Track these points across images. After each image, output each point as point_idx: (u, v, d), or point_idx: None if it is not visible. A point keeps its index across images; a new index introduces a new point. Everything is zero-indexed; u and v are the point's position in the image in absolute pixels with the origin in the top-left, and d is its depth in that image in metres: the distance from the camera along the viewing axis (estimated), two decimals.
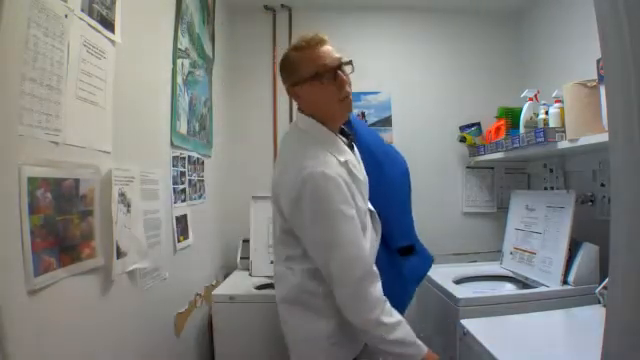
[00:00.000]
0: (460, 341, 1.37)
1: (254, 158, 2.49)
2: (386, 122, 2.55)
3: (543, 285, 1.77)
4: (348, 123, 1.27)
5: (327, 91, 1.11)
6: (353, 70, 1.15)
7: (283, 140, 1.25)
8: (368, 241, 1.12)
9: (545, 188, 2.29)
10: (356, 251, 1.04)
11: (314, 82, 1.10)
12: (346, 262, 1.03)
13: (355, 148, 1.27)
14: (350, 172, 1.11)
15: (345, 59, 1.13)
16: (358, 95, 2.51)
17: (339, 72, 1.10)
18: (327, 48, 1.12)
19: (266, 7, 2.52)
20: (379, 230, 1.24)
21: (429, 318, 1.96)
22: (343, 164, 1.10)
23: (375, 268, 1.08)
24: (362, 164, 1.25)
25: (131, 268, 1.16)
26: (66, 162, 0.90)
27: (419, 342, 1.08)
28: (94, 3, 1.02)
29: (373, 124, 2.53)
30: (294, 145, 1.16)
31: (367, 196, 1.20)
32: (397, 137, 2.54)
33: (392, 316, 1.05)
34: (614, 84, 0.50)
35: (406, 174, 1.49)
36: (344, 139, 1.21)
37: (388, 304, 1.06)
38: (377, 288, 1.05)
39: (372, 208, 1.23)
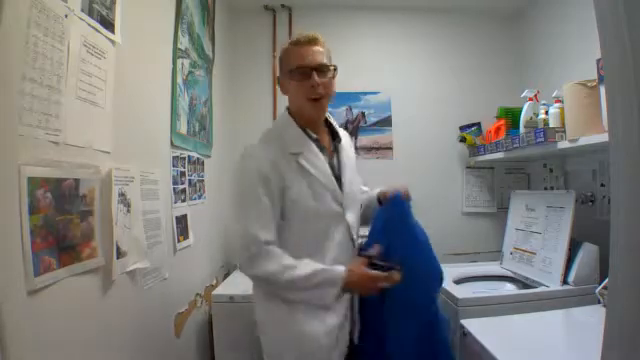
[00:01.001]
0: (460, 341, 1.37)
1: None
2: (386, 122, 2.55)
3: (543, 285, 1.76)
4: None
5: (298, 89, 1.18)
6: (334, 74, 1.21)
7: None
8: (334, 243, 1.17)
9: (545, 188, 2.29)
10: (248, 230, 1.09)
11: (291, 78, 1.18)
12: (240, 237, 1.11)
13: (342, 150, 1.27)
14: (299, 164, 1.16)
15: (325, 63, 1.17)
16: (358, 95, 2.51)
17: (313, 73, 1.15)
18: (314, 49, 1.17)
19: (266, 7, 2.52)
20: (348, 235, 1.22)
21: None
22: (292, 155, 1.16)
23: (271, 249, 1.10)
24: (343, 166, 1.24)
25: (131, 268, 1.16)
26: (66, 162, 0.90)
27: (329, 271, 1.11)
28: (94, 3, 1.02)
29: (373, 124, 2.53)
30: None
31: (338, 197, 1.19)
32: (397, 137, 2.54)
33: (287, 273, 1.08)
34: (614, 84, 0.50)
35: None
36: (314, 137, 1.22)
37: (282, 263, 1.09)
38: (261, 263, 1.09)
39: (350, 219, 1.21)
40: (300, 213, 1.15)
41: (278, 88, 1.27)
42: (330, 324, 1.12)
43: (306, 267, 1.09)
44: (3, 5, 0.72)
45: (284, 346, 1.14)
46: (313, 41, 1.18)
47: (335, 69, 1.21)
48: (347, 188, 1.21)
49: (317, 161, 1.18)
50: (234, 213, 1.20)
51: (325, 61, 1.18)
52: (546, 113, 1.83)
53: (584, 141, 1.54)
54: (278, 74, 1.27)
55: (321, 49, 1.18)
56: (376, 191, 1.32)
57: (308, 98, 1.17)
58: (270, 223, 1.11)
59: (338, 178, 1.21)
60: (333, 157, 1.25)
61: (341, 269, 1.11)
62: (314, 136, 1.22)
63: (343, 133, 1.34)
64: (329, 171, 1.19)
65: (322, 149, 1.22)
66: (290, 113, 1.25)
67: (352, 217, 1.21)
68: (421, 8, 2.58)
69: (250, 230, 1.09)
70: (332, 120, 1.31)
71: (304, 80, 1.16)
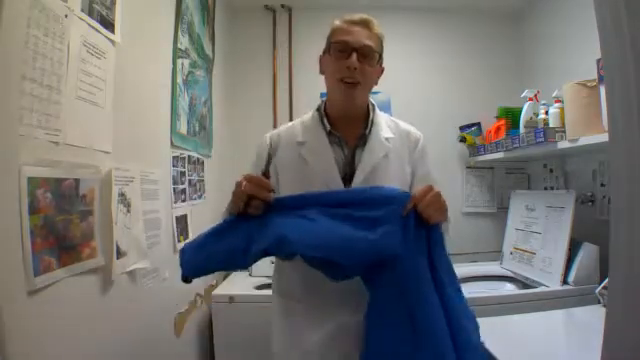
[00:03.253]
0: None
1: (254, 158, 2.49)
2: None
3: (543, 285, 1.77)
4: None
5: (332, 66, 1.08)
6: (379, 64, 1.11)
7: None
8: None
9: (545, 188, 2.29)
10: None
11: (329, 52, 1.09)
12: None
13: (370, 146, 1.09)
14: (300, 154, 1.08)
15: (370, 46, 1.06)
16: None
17: (354, 54, 1.03)
18: (363, 31, 1.07)
19: (266, 7, 2.52)
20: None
21: None
22: (297, 144, 1.10)
23: None
24: (362, 163, 1.06)
25: (131, 268, 1.16)
26: (66, 162, 0.90)
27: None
28: (94, 3, 1.02)
29: None
30: None
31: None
32: None
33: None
34: (614, 84, 0.50)
35: None
36: (328, 128, 1.10)
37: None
38: None
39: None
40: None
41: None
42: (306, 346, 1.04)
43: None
44: (3, 5, 0.72)
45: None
46: (365, 23, 1.08)
47: (381, 57, 1.10)
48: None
49: (320, 152, 1.08)
50: None
51: (371, 45, 1.06)
52: (546, 113, 1.83)
53: (584, 141, 1.54)
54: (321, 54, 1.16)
55: (371, 34, 1.07)
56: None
57: (340, 79, 1.05)
58: None
59: (349, 175, 1.07)
60: (355, 152, 1.09)
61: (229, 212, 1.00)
62: (328, 127, 1.11)
63: (403, 131, 1.18)
64: (333, 163, 1.06)
65: (339, 142, 1.10)
66: (324, 101, 1.16)
67: None
68: (421, 8, 2.58)
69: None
70: (376, 112, 1.17)
71: (341, 59, 1.04)
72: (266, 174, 0.93)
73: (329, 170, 1.06)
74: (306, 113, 1.20)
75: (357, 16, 1.09)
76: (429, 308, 0.87)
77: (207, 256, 0.89)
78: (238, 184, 0.91)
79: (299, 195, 0.94)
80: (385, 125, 1.15)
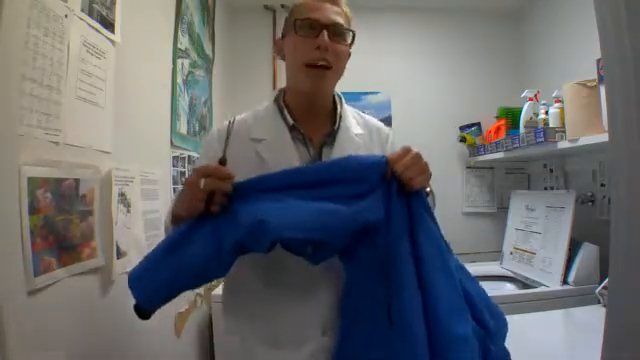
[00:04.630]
0: None
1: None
2: (386, 122, 2.53)
3: (543, 285, 1.77)
4: None
5: (298, 48, 0.92)
6: (351, 44, 0.96)
7: None
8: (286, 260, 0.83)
9: (545, 188, 2.29)
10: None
11: (294, 31, 0.92)
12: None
13: (339, 144, 0.95)
14: (257, 152, 0.91)
15: (342, 24, 0.92)
16: (358, 95, 2.51)
17: (324, 32, 0.89)
18: (331, 7, 0.92)
19: (266, 7, 2.52)
20: None
21: None
22: (252, 141, 0.93)
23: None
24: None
25: (131, 268, 1.16)
26: (66, 162, 0.90)
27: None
28: (94, 3, 1.02)
29: None
30: None
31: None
32: (397, 137, 2.53)
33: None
34: (614, 84, 0.50)
35: None
36: (291, 122, 0.95)
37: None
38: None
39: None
40: None
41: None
42: None
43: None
44: (3, 5, 0.72)
45: None
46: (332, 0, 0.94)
47: (354, 36, 0.95)
48: None
49: (281, 151, 0.91)
50: None
51: (343, 22, 0.93)
52: (546, 113, 1.83)
53: (584, 141, 1.54)
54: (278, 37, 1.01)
55: (340, 10, 0.94)
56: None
57: (307, 63, 0.89)
58: None
59: None
60: (321, 151, 0.94)
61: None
62: (291, 122, 0.94)
63: (372, 127, 1.06)
64: (297, 164, 0.90)
65: (302, 139, 0.94)
66: (283, 91, 1.01)
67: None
68: (422, 8, 2.58)
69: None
70: (343, 105, 1.03)
71: (308, 37, 0.89)
72: (223, 162, 0.77)
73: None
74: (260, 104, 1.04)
75: None
76: (406, 293, 0.75)
77: (173, 276, 0.73)
78: (191, 183, 0.75)
79: (262, 176, 0.79)
80: (353, 120, 1.02)
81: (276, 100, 1.00)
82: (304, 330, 0.86)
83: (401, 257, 0.76)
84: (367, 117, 1.09)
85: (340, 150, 0.93)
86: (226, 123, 0.95)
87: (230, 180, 0.76)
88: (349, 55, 0.98)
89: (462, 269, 0.84)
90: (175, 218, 0.82)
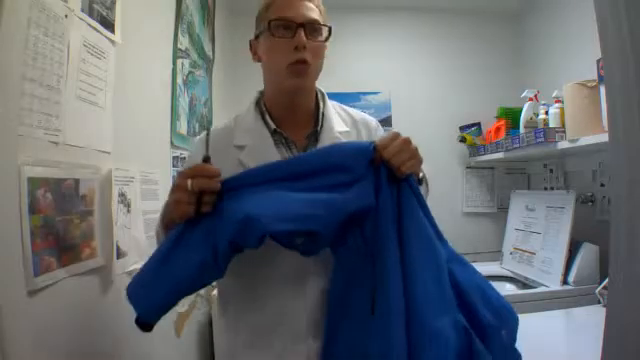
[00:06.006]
0: None
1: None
2: (386, 122, 2.54)
3: (543, 285, 1.77)
4: None
5: (276, 49, 0.89)
6: (327, 39, 0.93)
7: None
8: (278, 272, 0.85)
9: (545, 188, 2.29)
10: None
11: (269, 33, 0.89)
12: None
13: (322, 144, 0.92)
14: (239, 160, 0.89)
15: (317, 20, 0.90)
16: (358, 95, 2.51)
17: (300, 30, 0.87)
18: (303, 3, 0.90)
19: None
20: None
21: None
22: (235, 148, 0.92)
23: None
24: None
25: (131, 268, 1.16)
26: (66, 162, 0.90)
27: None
28: (94, 3, 1.02)
29: None
30: None
31: None
32: None
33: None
34: (614, 84, 0.50)
35: None
36: (272, 127, 0.93)
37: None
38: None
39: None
40: None
41: None
42: None
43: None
44: (3, 5, 0.72)
45: None
46: None
47: (330, 31, 0.93)
48: None
49: (264, 156, 0.87)
50: None
51: (318, 18, 0.91)
52: (546, 113, 1.83)
53: (584, 141, 1.55)
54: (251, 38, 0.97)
55: (313, 6, 0.91)
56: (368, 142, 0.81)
57: (289, 63, 0.87)
58: None
59: None
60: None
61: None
62: (272, 126, 0.93)
63: (359, 121, 1.02)
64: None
65: (286, 142, 0.93)
66: (262, 93, 1.00)
67: None
68: (422, 8, 2.58)
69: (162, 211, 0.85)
70: (326, 103, 1.00)
71: (285, 37, 0.87)
72: (207, 160, 0.76)
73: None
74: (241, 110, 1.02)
75: None
76: (390, 283, 0.72)
77: (169, 289, 0.72)
78: (179, 186, 0.73)
79: (249, 170, 0.79)
80: (337, 117, 0.99)
81: (257, 104, 0.98)
82: (294, 329, 0.84)
83: (388, 246, 0.73)
84: (351, 111, 1.05)
85: None
86: (204, 133, 0.95)
87: (218, 177, 0.73)
88: (328, 40, 0.95)
89: (457, 260, 0.81)
90: (166, 225, 0.81)
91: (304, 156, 0.85)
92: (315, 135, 0.94)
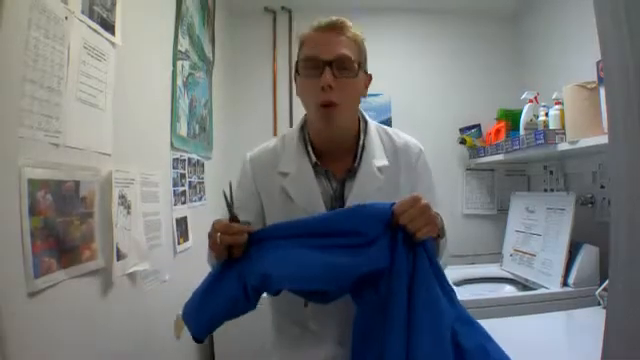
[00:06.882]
0: None
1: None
2: (386, 124, 2.54)
3: (543, 287, 1.76)
4: None
5: (305, 89, 0.93)
6: (358, 74, 0.93)
7: None
8: None
9: (545, 190, 2.29)
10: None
11: (299, 73, 0.94)
12: None
13: (359, 177, 0.97)
14: (282, 187, 0.96)
15: (346, 55, 0.89)
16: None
17: (326, 69, 0.87)
18: (335, 38, 0.89)
19: (266, 9, 2.52)
20: None
21: None
22: (280, 175, 0.98)
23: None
24: (351, 198, 0.95)
25: (131, 270, 1.16)
26: (66, 164, 0.90)
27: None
28: (94, 5, 1.03)
29: None
30: None
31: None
32: None
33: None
34: (614, 86, 0.50)
35: None
36: (314, 160, 0.98)
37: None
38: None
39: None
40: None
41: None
42: None
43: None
44: (4, 7, 0.72)
45: None
46: (337, 27, 0.91)
47: (360, 66, 0.92)
48: None
49: (304, 186, 0.95)
50: None
51: (347, 53, 0.89)
52: (546, 115, 1.83)
53: (584, 143, 1.55)
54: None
55: (345, 39, 0.90)
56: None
57: (317, 104, 0.90)
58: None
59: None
60: (344, 185, 0.97)
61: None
62: (314, 159, 0.97)
63: (400, 148, 1.02)
64: (320, 200, 0.95)
65: (326, 174, 0.98)
66: (307, 120, 1.02)
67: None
68: (422, 10, 2.58)
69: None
70: (368, 133, 1.01)
71: (313, 77, 0.89)
72: (234, 218, 0.84)
73: (315, 207, 0.94)
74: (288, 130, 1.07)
75: (325, 20, 0.92)
76: (393, 340, 0.75)
77: (211, 316, 0.85)
78: (213, 237, 0.83)
79: (274, 226, 0.87)
80: (379, 147, 1.00)
81: (301, 130, 1.02)
82: (322, 337, 0.95)
83: (397, 307, 0.77)
84: (395, 136, 1.06)
85: (360, 186, 0.95)
86: (247, 159, 1.04)
87: (242, 234, 0.81)
88: (369, 79, 1.01)
89: (465, 320, 0.80)
90: (210, 258, 0.94)
91: (326, 217, 0.89)
92: (353, 170, 0.97)
